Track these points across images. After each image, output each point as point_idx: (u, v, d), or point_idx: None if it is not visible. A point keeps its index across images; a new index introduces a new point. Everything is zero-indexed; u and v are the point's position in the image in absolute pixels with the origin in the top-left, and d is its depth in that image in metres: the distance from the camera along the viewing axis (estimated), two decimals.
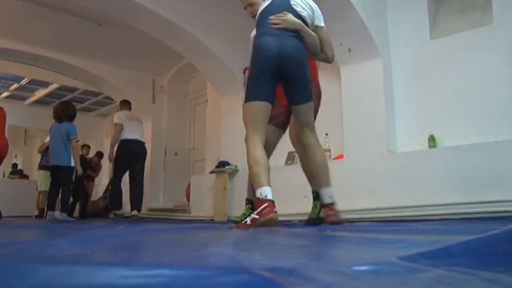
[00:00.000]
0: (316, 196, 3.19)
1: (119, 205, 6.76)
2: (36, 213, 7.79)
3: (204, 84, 7.91)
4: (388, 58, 4.97)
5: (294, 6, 2.90)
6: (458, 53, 4.55)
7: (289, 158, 5.75)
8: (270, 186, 2.55)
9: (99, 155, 9.14)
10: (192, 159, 9.15)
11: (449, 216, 3.91)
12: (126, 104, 7.17)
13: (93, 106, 11.82)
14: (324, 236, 1.93)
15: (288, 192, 4.65)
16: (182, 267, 0.62)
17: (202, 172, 7.74)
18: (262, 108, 2.77)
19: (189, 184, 7.48)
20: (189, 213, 7.22)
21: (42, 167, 7.70)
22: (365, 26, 4.66)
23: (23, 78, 9.76)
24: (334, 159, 5.19)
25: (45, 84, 10.23)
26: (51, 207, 6.15)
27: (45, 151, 7.53)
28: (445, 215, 3.96)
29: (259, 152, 2.69)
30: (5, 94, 10.87)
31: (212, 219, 6.07)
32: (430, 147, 4.50)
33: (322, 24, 3.00)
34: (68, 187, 6.21)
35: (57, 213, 6.15)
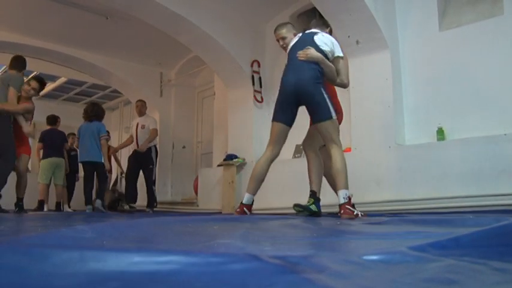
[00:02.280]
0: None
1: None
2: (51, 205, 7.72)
3: (212, 77, 7.91)
4: (397, 50, 4.93)
5: (317, 42, 3.45)
6: (468, 44, 4.50)
7: (297, 151, 5.75)
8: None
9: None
10: (199, 152, 9.17)
11: (458, 209, 3.89)
12: None
13: (101, 100, 11.84)
14: (334, 228, 1.93)
15: (295, 184, 4.65)
16: (193, 254, 0.62)
17: (210, 165, 7.75)
18: (275, 127, 3.51)
19: (197, 177, 7.51)
20: (197, 206, 7.25)
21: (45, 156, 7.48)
22: (373, 18, 4.62)
23: (31, 72, 9.78)
24: None
25: (53, 78, 10.25)
26: (89, 201, 6.43)
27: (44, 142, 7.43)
28: (454, 208, 3.95)
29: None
30: None
31: (220, 212, 6.10)
32: (438, 139, 4.47)
33: (341, 54, 3.50)
34: (103, 180, 6.64)
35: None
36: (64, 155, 7.28)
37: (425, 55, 4.80)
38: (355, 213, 3.18)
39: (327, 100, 3.31)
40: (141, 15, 6.08)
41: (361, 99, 4.92)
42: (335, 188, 3.41)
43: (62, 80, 10.27)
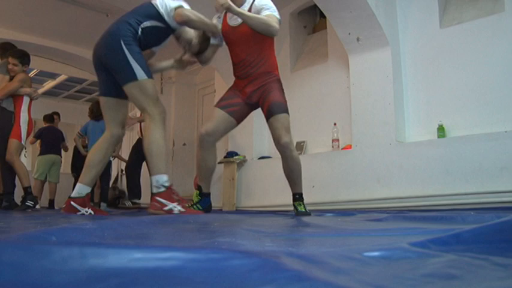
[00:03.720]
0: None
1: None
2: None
3: (212, 75, 7.90)
4: (397, 47, 4.93)
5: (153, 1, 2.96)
6: (469, 41, 4.50)
7: (298, 148, 5.74)
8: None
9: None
10: None
11: (458, 207, 3.90)
12: None
13: None
14: (334, 225, 1.93)
15: None
16: (195, 250, 0.62)
17: None
18: (102, 101, 3.12)
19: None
20: None
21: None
22: (374, 15, 4.62)
23: (31, 69, 9.78)
24: (342, 149, 5.19)
25: (54, 76, 10.25)
26: (91, 199, 6.43)
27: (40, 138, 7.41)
28: (455, 205, 3.95)
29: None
30: None
31: (221, 209, 6.10)
32: (439, 136, 4.47)
33: (175, 4, 2.95)
34: (107, 180, 6.78)
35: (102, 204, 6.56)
36: (61, 153, 7.34)
37: (426, 52, 4.80)
38: (167, 207, 2.60)
39: (130, 58, 2.74)
40: None
41: (361, 96, 4.92)
42: (150, 172, 2.77)
43: (62, 77, 10.26)
